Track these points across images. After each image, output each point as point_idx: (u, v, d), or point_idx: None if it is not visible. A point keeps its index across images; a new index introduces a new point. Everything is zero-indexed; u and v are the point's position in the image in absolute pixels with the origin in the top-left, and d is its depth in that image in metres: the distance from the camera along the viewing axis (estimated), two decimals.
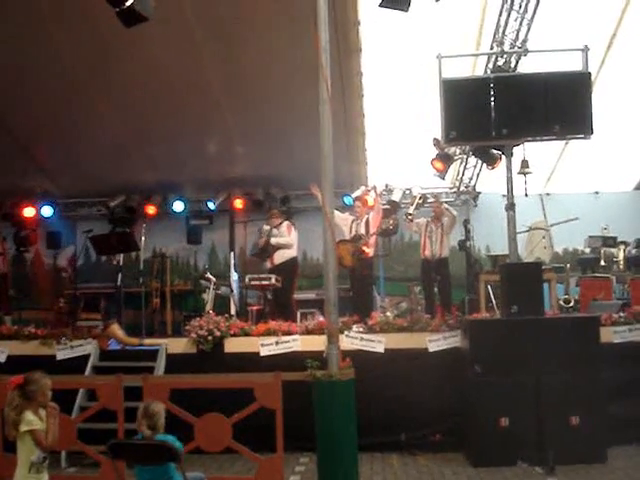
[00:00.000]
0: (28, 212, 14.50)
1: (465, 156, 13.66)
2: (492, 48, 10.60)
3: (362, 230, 11.29)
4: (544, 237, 13.35)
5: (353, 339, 9.00)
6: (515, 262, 9.54)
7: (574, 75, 9.12)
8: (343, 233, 11.27)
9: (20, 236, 14.30)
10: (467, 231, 12.79)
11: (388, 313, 10.01)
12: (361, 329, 9.21)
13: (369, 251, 11.18)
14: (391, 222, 12.09)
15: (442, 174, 12.91)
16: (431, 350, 8.98)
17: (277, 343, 9.12)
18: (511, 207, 9.31)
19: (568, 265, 12.62)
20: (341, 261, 10.71)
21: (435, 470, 7.93)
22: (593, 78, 9.72)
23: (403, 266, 14.23)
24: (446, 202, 14.87)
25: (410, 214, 11.72)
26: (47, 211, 14.73)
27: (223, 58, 10.55)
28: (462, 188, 15.05)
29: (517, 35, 10.22)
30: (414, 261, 12.40)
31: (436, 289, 11.56)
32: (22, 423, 4.92)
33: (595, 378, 8.02)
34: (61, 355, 9.39)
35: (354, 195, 13.81)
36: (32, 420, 4.94)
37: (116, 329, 9.70)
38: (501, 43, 10.38)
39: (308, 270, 13.83)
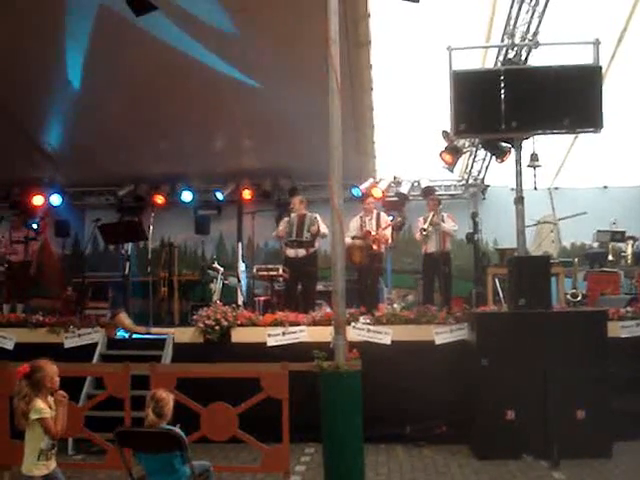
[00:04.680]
0: (37, 200, 14.56)
1: (474, 149, 13.65)
2: (503, 40, 10.55)
3: (373, 225, 11.30)
4: (552, 231, 13.34)
5: (360, 330, 9.01)
6: (523, 256, 9.52)
7: (585, 68, 9.06)
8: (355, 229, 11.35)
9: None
10: (475, 224, 12.78)
11: (395, 305, 10.02)
12: (368, 321, 9.21)
13: (380, 246, 11.21)
14: (400, 220, 12.08)
15: (451, 167, 12.89)
16: (438, 342, 8.98)
17: (284, 334, 9.14)
18: (520, 200, 9.28)
19: (576, 259, 12.59)
20: (350, 257, 10.73)
21: (440, 462, 7.94)
22: (603, 72, 9.67)
23: (410, 258, 14.20)
24: (454, 194, 14.96)
25: (425, 229, 11.46)
26: (56, 199, 14.80)
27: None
28: (471, 181, 15.04)
29: (528, 28, 10.17)
30: (421, 254, 12.38)
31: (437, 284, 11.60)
32: (32, 411, 4.94)
33: (602, 373, 7.99)
34: (69, 343, 9.44)
35: (362, 187, 13.85)
36: (42, 409, 4.95)
37: (124, 318, 9.74)
38: (512, 35, 10.33)
39: None
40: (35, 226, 13.56)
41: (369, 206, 11.59)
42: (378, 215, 11.52)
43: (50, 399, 5.06)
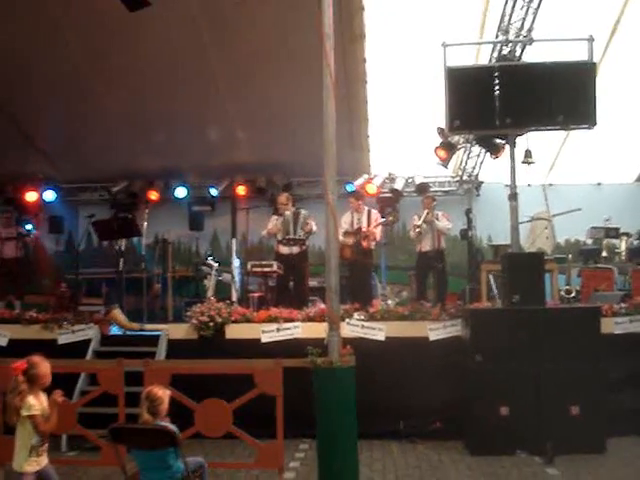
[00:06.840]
0: (30, 196, 14.52)
1: (468, 145, 13.63)
2: (497, 37, 10.55)
3: (364, 223, 11.28)
4: (546, 227, 13.34)
5: (354, 327, 9.00)
6: (517, 252, 9.53)
7: (579, 65, 9.07)
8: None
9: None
10: (469, 220, 12.77)
11: (389, 301, 10.02)
12: (362, 317, 9.20)
13: (369, 243, 11.21)
14: (391, 218, 12.05)
15: (445, 163, 12.88)
16: (432, 339, 8.98)
17: (278, 330, 9.12)
18: (514, 197, 9.28)
19: (570, 256, 12.61)
20: (341, 253, 10.71)
21: (434, 458, 7.95)
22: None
23: (405, 255, 14.20)
24: (448, 191, 14.96)
25: (418, 226, 11.49)
26: (49, 195, 14.75)
27: (225, 44, 10.51)
28: (465, 177, 15.02)
29: (522, 24, 10.17)
30: (416, 250, 12.38)
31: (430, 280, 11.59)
32: (23, 408, 4.93)
33: (595, 369, 8.01)
34: (62, 339, 9.41)
35: (356, 183, 13.82)
36: (33, 405, 4.95)
37: (117, 314, 9.70)
38: (506, 32, 10.34)
39: (310, 258, 13.83)
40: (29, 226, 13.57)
41: (353, 204, 11.53)
42: (369, 212, 11.51)
43: (42, 396, 5.05)
